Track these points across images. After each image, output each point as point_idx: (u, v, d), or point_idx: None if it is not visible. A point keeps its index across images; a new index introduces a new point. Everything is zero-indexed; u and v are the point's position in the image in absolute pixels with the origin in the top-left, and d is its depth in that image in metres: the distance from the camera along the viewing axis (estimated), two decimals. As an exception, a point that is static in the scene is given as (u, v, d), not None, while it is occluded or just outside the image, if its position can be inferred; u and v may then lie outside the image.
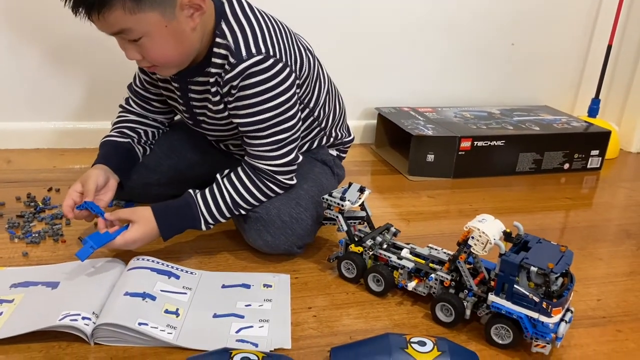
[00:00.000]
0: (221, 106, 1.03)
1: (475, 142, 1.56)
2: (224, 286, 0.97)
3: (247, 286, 0.97)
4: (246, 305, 0.91)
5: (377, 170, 1.61)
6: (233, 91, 0.98)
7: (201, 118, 1.09)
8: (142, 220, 0.99)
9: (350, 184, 1.08)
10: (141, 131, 1.16)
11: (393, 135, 1.74)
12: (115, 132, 1.15)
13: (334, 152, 1.24)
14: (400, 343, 0.78)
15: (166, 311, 0.87)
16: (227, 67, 0.97)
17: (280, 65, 0.97)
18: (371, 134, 1.79)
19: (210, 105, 1.04)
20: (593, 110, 1.85)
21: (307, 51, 1.10)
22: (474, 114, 1.75)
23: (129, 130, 1.15)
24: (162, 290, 0.91)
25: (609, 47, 1.81)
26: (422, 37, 1.75)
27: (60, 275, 0.94)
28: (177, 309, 0.88)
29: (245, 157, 1.05)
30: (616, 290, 1.06)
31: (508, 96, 1.92)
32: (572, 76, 1.97)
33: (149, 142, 1.18)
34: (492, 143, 1.57)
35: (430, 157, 1.55)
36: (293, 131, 1.03)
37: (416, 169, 1.56)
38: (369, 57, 1.73)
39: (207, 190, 1.04)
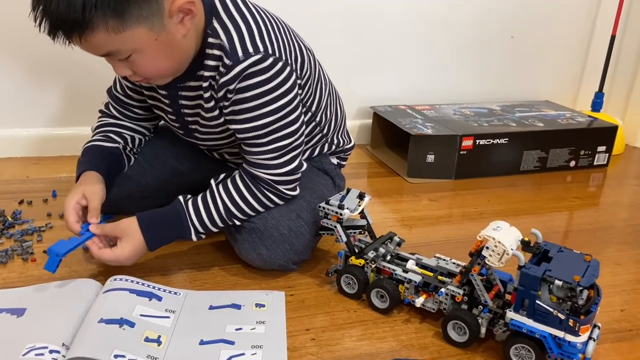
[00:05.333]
0: (216, 112, 0.93)
1: (477, 141, 1.47)
2: (211, 307, 0.87)
3: (238, 307, 0.87)
4: (237, 329, 0.82)
5: (374, 173, 1.52)
6: (229, 95, 0.88)
7: (193, 127, 0.99)
8: (128, 234, 0.90)
9: (348, 190, 0.99)
10: (127, 137, 1.07)
11: (390, 135, 1.65)
12: (100, 136, 1.05)
13: (334, 161, 1.15)
14: (411, 371, 0.69)
15: (146, 339, 0.77)
16: (222, 69, 0.87)
17: (281, 64, 0.88)
18: (367, 134, 1.70)
19: (203, 113, 0.94)
20: (597, 105, 1.77)
21: (307, 49, 1.01)
22: (474, 111, 1.66)
23: (115, 135, 1.05)
24: (142, 315, 0.81)
25: (612, 38, 1.73)
26: (418, 31, 1.67)
27: (27, 301, 0.84)
28: (159, 337, 0.78)
29: (243, 164, 0.96)
30: (639, 298, 0.98)
31: (508, 91, 1.84)
32: (573, 69, 1.89)
33: (134, 150, 1.08)
34: (495, 141, 1.49)
35: (430, 158, 1.46)
36: (296, 137, 0.93)
37: (415, 170, 1.47)
38: (363, 53, 1.64)
39: (199, 197, 0.94)
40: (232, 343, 0.79)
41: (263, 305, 0.88)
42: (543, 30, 1.79)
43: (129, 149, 1.07)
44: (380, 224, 1.18)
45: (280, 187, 0.94)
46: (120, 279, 0.88)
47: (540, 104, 1.79)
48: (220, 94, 0.89)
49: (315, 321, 0.87)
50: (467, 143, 1.46)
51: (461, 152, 1.46)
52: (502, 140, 1.49)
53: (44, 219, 1.14)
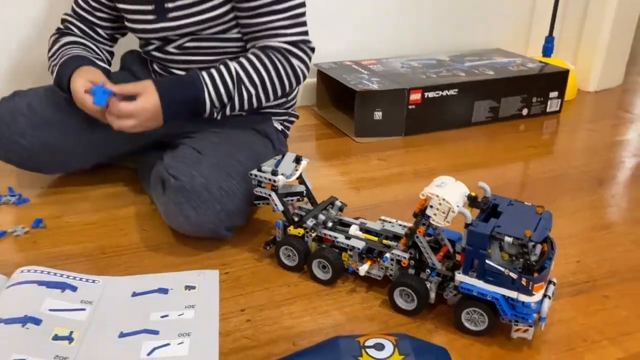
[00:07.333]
0: None
1: (426, 94, 1.39)
2: (134, 294, 0.78)
3: (165, 291, 0.79)
4: (162, 317, 0.73)
5: (321, 135, 1.43)
6: None
7: (170, 5, 0.94)
8: (145, 92, 0.88)
9: (283, 155, 0.90)
10: (98, 52, 1.05)
11: (336, 94, 1.56)
12: (79, 49, 1.00)
13: (278, 126, 1.06)
14: (352, 350, 0.62)
15: (55, 337, 0.68)
16: None
17: None
18: (311, 94, 1.60)
19: None
20: (548, 49, 1.72)
21: None
22: (422, 63, 1.58)
23: (83, 48, 1.02)
24: (51, 310, 0.72)
25: (561, -20, 1.67)
26: (359, -20, 1.56)
27: None
28: (71, 333, 0.69)
29: (253, 43, 0.96)
30: (595, 247, 0.94)
31: (459, 40, 1.75)
32: (523, 14, 1.82)
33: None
34: (444, 93, 1.41)
35: (378, 115, 1.38)
36: (304, 5, 0.96)
37: (363, 129, 1.39)
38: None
39: (211, 68, 0.93)
40: (156, 333, 0.70)
41: (194, 287, 0.80)
42: (490, -26, 1.71)
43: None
44: (327, 188, 1.10)
45: (292, 59, 0.95)
46: (29, 270, 0.78)
47: (491, 52, 1.72)
48: None
49: (251, 300, 0.79)
50: (415, 97, 1.38)
51: (410, 107, 1.38)
52: (452, 92, 1.42)
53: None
